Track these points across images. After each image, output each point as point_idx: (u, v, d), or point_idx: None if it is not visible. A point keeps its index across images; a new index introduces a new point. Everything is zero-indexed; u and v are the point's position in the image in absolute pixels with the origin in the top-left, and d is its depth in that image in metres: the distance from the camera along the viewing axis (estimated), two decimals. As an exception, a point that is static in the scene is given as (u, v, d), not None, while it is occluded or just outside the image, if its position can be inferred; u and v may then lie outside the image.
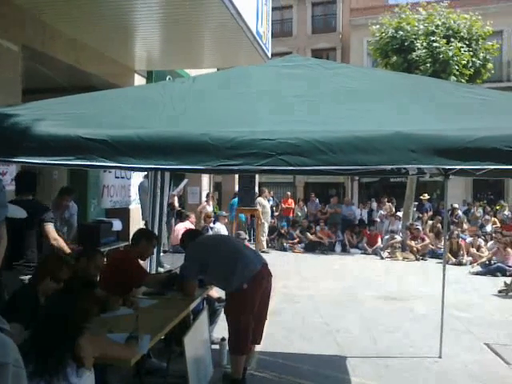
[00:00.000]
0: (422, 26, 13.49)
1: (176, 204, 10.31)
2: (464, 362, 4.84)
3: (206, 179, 14.11)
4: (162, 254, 7.69)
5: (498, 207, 16.85)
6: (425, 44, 13.08)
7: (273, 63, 4.19)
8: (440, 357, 4.92)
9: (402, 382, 4.34)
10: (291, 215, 15.65)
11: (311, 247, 13.30)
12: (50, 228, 4.24)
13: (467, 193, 22.24)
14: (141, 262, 4.35)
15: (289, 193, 17.36)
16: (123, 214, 8.65)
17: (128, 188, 8.98)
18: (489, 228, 14.02)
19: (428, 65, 12.89)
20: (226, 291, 3.99)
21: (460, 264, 11.39)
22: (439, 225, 13.40)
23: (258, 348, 4.45)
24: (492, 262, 10.68)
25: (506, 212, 15.15)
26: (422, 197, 15.88)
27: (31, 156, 2.83)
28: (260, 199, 12.82)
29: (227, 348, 4.03)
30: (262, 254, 5.11)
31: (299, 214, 15.69)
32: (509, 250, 10.48)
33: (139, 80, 9.32)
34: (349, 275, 9.88)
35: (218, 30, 7.19)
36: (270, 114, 2.94)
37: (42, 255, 4.30)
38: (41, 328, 2.30)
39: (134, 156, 2.69)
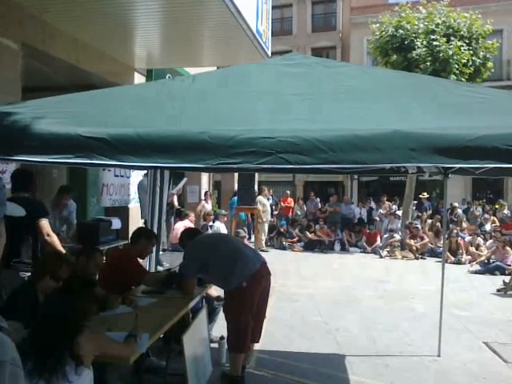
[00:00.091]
0: (422, 25, 13.50)
1: (175, 203, 10.32)
2: (463, 360, 4.84)
3: (205, 178, 14.11)
4: (161, 252, 7.68)
5: (497, 206, 16.86)
6: (425, 43, 13.09)
7: (273, 61, 4.19)
8: (439, 355, 4.93)
9: (401, 380, 4.34)
10: (290, 214, 15.65)
11: (310, 246, 13.30)
12: (45, 224, 4.24)
13: (467, 192, 22.26)
14: (140, 260, 4.35)
15: (288, 191, 17.37)
16: (122, 212, 8.65)
17: (127, 186, 8.98)
18: (488, 227, 14.04)
19: (428, 63, 12.89)
20: (225, 290, 3.99)
21: (459, 263, 11.40)
22: (438, 224, 13.41)
23: (256, 346, 4.46)
24: (491, 260, 10.69)
25: (506, 211, 15.16)
26: (421, 196, 15.89)
27: (31, 154, 2.82)
28: (260, 198, 12.82)
29: (226, 346, 4.03)
30: (262, 253, 5.11)
31: (298, 212, 15.69)
32: (508, 248, 10.49)
33: (139, 78, 9.32)
34: (348, 274, 9.89)
35: (217, 29, 7.19)
36: (269, 112, 2.94)
37: (41, 254, 4.31)
38: (40, 326, 2.30)
39: (133, 154, 2.69)
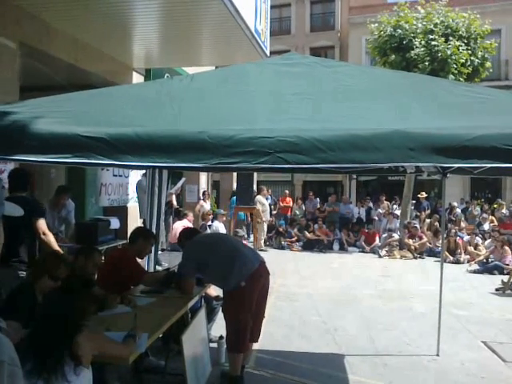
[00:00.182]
0: (420, 25, 13.50)
1: (174, 202, 10.31)
2: (461, 359, 4.85)
3: (204, 177, 14.10)
4: (159, 252, 7.67)
5: (495, 206, 16.88)
6: (423, 42, 13.08)
7: (271, 61, 4.18)
8: (438, 355, 4.93)
9: (400, 380, 4.34)
10: (289, 214, 15.66)
11: (309, 245, 13.30)
12: (41, 223, 4.24)
13: (465, 191, 22.30)
14: (139, 260, 4.35)
15: (287, 191, 17.39)
16: (121, 212, 8.65)
17: (126, 186, 8.98)
18: (486, 226, 14.06)
19: (426, 63, 12.89)
20: (223, 290, 3.99)
21: (457, 262, 11.42)
22: (437, 223, 13.42)
23: (255, 346, 4.45)
24: (489, 260, 10.71)
25: (504, 210, 15.17)
26: (419, 195, 15.90)
27: (29, 154, 2.82)
28: (259, 197, 12.82)
29: (225, 346, 4.03)
30: (260, 253, 5.11)
31: (297, 212, 15.69)
32: (506, 248, 10.50)
33: (137, 78, 9.31)
34: (347, 274, 9.89)
35: (216, 28, 7.18)
36: (268, 111, 2.94)
37: (38, 253, 4.30)
38: (38, 326, 2.29)
39: (132, 154, 2.68)
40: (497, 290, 8.29)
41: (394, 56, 13.51)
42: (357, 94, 3.16)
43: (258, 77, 3.50)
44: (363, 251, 13.13)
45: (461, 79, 12.91)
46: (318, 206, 15.73)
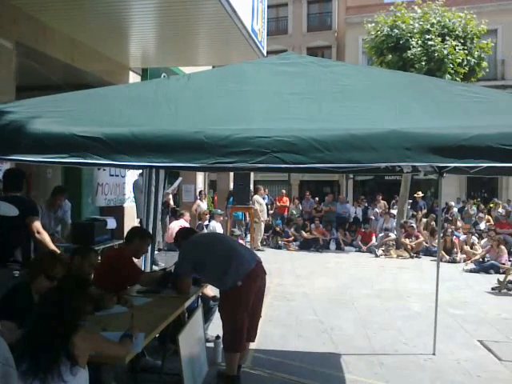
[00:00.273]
0: (417, 25, 13.52)
1: (171, 202, 10.30)
2: (457, 358, 4.86)
3: (200, 177, 14.09)
4: (156, 252, 7.67)
5: (491, 205, 16.94)
6: (420, 42, 13.11)
7: (268, 61, 4.18)
8: (434, 354, 4.95)
9: (397, 379, 4.35)
10: (286, 213, 15.66)
11: (306, 245, 13.32)
12: (35, 222, 4.23)
13: (461, 191, 22.35)
14: (135, 260, 4.34)
15: (284, 191, 17.39)
16: (117, 212, 8.63)
17: (122, 186, 8.96)
18: (482, 226, 14.11)
19: (423, 63, 12.92)
20: (220, 289, 3.99)
21: (454, 261, 11.46)
22: (433, 223, 13.46)
23: (252, 346, 4.46)
24: (485, 259, 10.75)
25: (500, 210, 15.22)
26: (416, 195, 15.93)
27: (25, 154, 2.81)
28: (257, 197, 12.83)
29: (222, 346, 4.03)
30: (257, 252, 5.11)
31: (294, 212, 15.71)
32: (502, 247, 10.54)
33: (134, 77, 9.29)
34: (343, 273, 9.90)
35: (213, 28, 7.18)
36: (265, 111, 2.94)
37: (34, 253, 4.29)
38: (35, 326, 2.29)
39: (128, 154, 2.68)
40: (493, 289, 8.32)
41: (390, 56, 13.53)
42: (354, 93, 3.17)
43: (254, 76, 3.50)
44: (360, 251, 13.16)
45: (457, 79, 12.95)
46: (315, 205, 15.74)
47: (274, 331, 5.58)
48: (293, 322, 6.07)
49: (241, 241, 10.29)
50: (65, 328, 2.25)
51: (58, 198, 6.08)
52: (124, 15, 6.62)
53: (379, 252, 12.51)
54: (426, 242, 12.84)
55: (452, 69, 13.02)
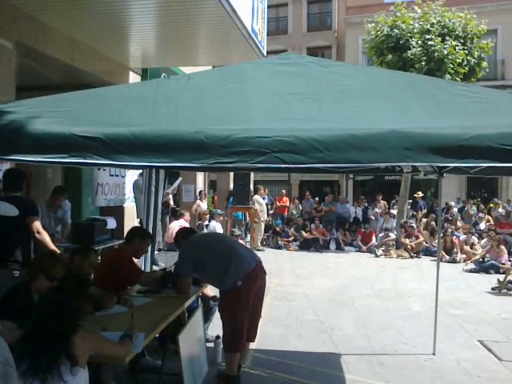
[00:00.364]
0: (417, 25, 13.52)
1: (171, 202, 10.30)
2: (457, 358, 4.86)
3: (200, 177, 14.09)
4: (156, 252, 7.67)
5: (491, 205, 16.94)
6: (420, 42, 13.11)
7: (268, 61, 4.18)
8: (434, 354, 4.95)
9: (397, 379, 4.35)
10: (286, 213, 15.66)
11: (306, 245, 13.32)
12: (35, 222, 4.23)
13: (461, 191, 22.35)
14: (135, 260, 4.34)
15: (284, 191, 17.39)
16: (117, 212, 8.63)
17: (122, 186, 8.96)
18: (482, 226, 14.11)
19: (423, 63, 12.92)
20: (220, 289, 3.99)
21: (454, 261, 11.46)
22: (433, 223, 13.45)
23: (252, 346, 4.46)
24: (485, 259, 10.75)
25: (500, 210, 15.23)
26: (416, 195, 15.93)
27: (25, 154, 2.81)
28: (257, 197, 12.83)
29: (222, 346, 4.03)
30: (257, 252, 5.11)
31: (294, 212, 15.70)
32: (502, 247, 10.54)
33: (134, 77, 9.29)
34: (343, 273, 9.90)
35: (213, 28, 7.18)
36: (265, 111, 2.94)
37: (34, 253, 4.29)
38: (35, 326, 2.29)
39: (128, 154, 2.68)
40: (493, 289, 8.32)
41: (390, 56, 13.53)
42: (354, 93, 3.17)
43: (254, 76, 3.50)
44: (360, 251, 13.16)
45: (457, 79, 12.95)
46: (315, 205, 15.74)
47: (274, 331, 5.58)
48: (293, 322, 6.07)
49: (241, 241, 10.29)
50: (65, 328, 2.25)
51: (58, 198, 6.08)
52: (124, 15, 6.62)
53: (379, 252, 12.51)
54: (426, 242, 12.84)
55: (452, 69, 13.02)
